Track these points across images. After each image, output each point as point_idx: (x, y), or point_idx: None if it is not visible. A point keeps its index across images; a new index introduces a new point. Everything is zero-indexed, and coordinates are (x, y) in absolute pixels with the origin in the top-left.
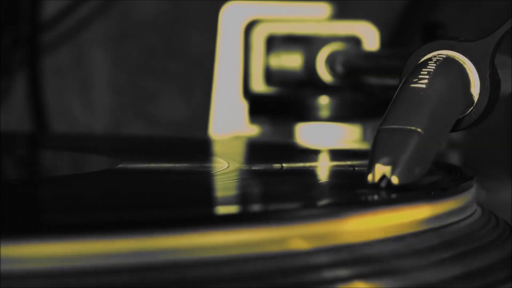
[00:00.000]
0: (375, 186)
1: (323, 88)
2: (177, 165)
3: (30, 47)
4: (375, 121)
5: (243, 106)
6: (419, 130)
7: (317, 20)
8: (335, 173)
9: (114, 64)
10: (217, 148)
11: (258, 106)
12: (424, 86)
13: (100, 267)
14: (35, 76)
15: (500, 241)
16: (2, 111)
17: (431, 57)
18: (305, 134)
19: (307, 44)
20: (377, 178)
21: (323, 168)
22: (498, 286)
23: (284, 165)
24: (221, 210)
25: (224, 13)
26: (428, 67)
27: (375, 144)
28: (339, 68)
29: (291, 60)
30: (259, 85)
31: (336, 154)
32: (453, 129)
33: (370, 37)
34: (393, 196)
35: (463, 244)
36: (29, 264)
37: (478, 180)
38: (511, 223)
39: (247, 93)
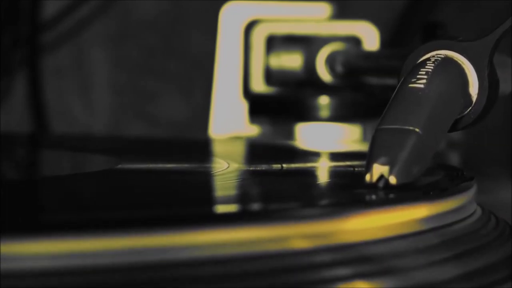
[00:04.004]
0: (373, 186)
1: (323, 88)
2: (177, 165)
3: (30, 47)
4: (375, 121)
5: (243, 106)
6: (417, 130)
7: (317, 20)
8: (335, 173)
9: (114, 64)
10: (217, 148)
11: (258, 106)
12: (422, 86)
13: (100, 266)
14: (35, 76)
15: (500, 241)
16: (2, 111)
17: (430, 57)
18: (305, 134)
19: (307, 44)
20: (375, 178)
21: (323, 169)
22: (498, 286)
23: (284, 165)
24: (221, 209)
25: (224, 13)
26: (426, 67)
27: (373, 144)
28: (339, 68)
29: (291, 60)
30: (259, 85)
31: (336, 154)
32: (452, 129)
33: (370, 37)
34: (393, 196)
35: (463, 244)
36: (29, 262)
37: (478, 180)
38: (511, 223)
39: (247, 93)
